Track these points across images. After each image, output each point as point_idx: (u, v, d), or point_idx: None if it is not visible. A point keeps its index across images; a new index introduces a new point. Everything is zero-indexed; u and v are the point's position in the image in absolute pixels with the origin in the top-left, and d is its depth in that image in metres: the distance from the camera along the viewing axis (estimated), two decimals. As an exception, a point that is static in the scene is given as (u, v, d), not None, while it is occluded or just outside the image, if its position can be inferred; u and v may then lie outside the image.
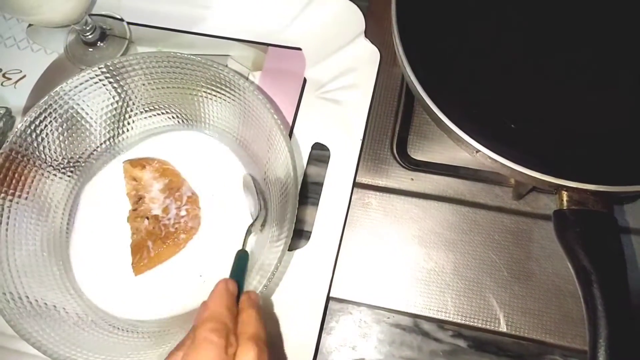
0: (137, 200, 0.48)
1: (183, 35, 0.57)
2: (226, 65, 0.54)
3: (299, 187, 0.49)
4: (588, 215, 0.38)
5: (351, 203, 0.49)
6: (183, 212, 0.47)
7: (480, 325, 0.45)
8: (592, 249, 0.37)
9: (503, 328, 0.44)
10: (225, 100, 0.48)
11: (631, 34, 0.45)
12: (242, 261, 0.41)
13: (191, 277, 0.46)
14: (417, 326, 0.46)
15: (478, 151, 0.39)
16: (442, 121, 0.39)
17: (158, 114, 0.51)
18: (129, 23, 0.58)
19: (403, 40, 0.43)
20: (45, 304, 0.43)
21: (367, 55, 0.54)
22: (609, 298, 0.35)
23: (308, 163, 0.51)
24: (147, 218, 0.47)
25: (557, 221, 0.40)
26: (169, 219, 0.47)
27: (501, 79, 0.45)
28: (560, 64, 0.45)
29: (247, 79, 0.54)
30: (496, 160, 0.38)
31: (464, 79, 0.45)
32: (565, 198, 0.39)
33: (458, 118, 0.40)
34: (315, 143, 0.52)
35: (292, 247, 0.48)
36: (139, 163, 0.49)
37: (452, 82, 0.44)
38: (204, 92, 0.48)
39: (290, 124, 0.52)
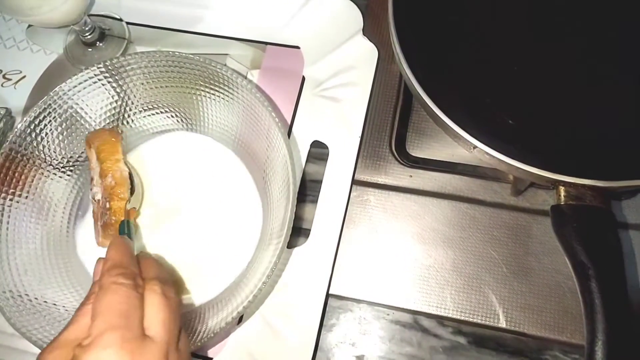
0: (91, 180, 0.48)
1: (182, 34, 0.57)
2: (225, 64, 0.55)
3: (298, 184, 0.50)
4: (585, 210, 0.38)
5: (350, 200, 0.49)
6: (107, 205, 0.45)
7: (479, 321, 0.45)
8: (589, 243, 0.37)
9: (502, 324, 0.44)
10: (223, 98, 0.48)
11: (628, 32, 0.45)
12: (127, 224, 0.42)
13: (191, 272, 0.47)
14: (416, 322, 0.46)
15: (475, 147, 0.39)
16: (439, 117, 0.39)
17: (157, 113, 0.51)
18: (128, 23, 0.58)
19: (400, 38, 0.43)
20: (45, 301, 0.43)
21: (366, 53, 0.54)
22: (606, 292, 0.35)
23: (307, 161, 0.51)
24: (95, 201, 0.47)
25: (555, 216, 0.40)
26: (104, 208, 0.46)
27: (500, 76, 0.45)
28: (558, 60, 0.45)
29: (245, 77, 0.54)
30: (493, 156, 0.38)
31: (461, 76, 0.45)
32: (562, 193, 0.39)
33: (455, 114, 0.40)
34: (314, 141, 0.52)
35: (291, 245, 0.48)
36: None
37: (449, 79, 0.45)
38: (203, 90, 0.49)
39: (289, 122, 0.53)
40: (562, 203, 0.39)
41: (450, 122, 0.39)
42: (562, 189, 0.39)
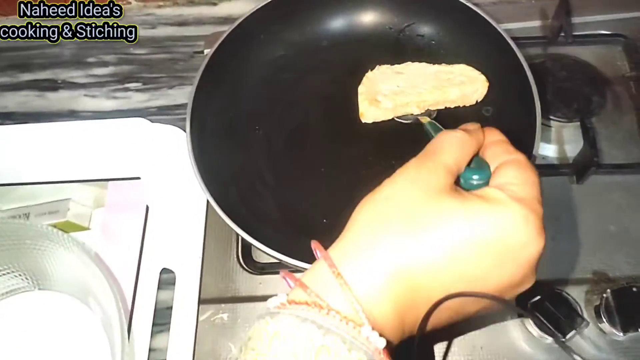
0: None
1: (23, 187, 0.58)
2: (68, 209, 0.56)
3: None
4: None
5: (199, 320, 0.50)
6: None
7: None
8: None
9: None
10: (56, 251, 0.49)
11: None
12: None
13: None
14: None
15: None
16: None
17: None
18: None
19: (203, 176, 0.47)
20: None
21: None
22: None
23: (159, 289, 0.52)
24: None
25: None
26: None
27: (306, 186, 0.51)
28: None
29: (65, 232, 0.50)
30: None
31: (271, 201, 0.50)
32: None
33: (268, 229, 0.43)
34: (163, 268, 0.53)
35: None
36: None
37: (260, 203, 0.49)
38: (35, 246, 0.49)
39: (138, 253, 0.53)
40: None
41: (255, 241, 0.42)
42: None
